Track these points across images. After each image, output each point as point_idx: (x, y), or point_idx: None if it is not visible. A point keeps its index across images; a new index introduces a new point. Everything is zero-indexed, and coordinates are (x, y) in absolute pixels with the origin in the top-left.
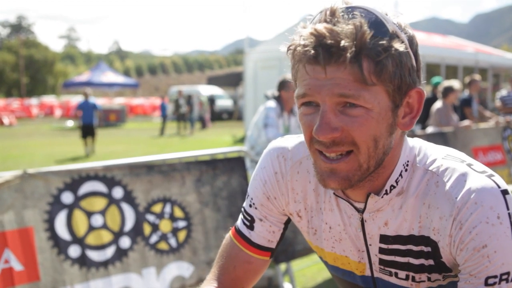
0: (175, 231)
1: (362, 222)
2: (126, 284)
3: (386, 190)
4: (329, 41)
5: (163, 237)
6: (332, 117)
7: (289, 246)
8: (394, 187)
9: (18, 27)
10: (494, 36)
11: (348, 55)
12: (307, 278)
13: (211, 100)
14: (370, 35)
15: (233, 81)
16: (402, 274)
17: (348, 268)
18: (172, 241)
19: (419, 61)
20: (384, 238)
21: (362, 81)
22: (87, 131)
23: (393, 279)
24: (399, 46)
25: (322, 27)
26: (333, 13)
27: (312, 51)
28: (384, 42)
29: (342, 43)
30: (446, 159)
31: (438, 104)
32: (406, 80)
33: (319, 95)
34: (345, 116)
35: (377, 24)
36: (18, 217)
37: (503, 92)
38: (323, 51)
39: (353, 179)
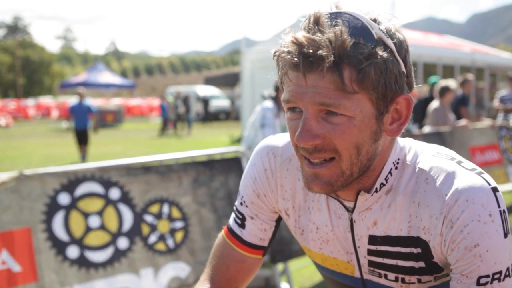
0: (173, 231)
1: (351, 222)
2: (124, 284)
3: (376, 188)
4: (308, 51)
5: (161, 238)
6: (314, 124)
7: (286, 246)
8: (384, 184)
9: (14, 28)
10: (491, 36)
11: (327, 64)
12: (304, 278)
13: (205, 101)
14: (351, 43)
15: (230, 81)
16: (391, 276)
17: (337, 269)
18: (170, 242)
19: (409, 67)
20: (372, 239)
21: (343, 90)
22: (81, 137)
23: (382, 281)
24: (383, 53)
25: (301, 36)
26: (316, 20)
27: (295, 59)
28: (366, 49)
29: (320, 52)
30: (436, 156)
31: (435, 104)
32: (392, 87)
33: (301, 102)
34: (327, 123)
35: (362, 30)
36: (15, 218)
37: (503, 92)
38: (303, 59)
39: (336, 185)
